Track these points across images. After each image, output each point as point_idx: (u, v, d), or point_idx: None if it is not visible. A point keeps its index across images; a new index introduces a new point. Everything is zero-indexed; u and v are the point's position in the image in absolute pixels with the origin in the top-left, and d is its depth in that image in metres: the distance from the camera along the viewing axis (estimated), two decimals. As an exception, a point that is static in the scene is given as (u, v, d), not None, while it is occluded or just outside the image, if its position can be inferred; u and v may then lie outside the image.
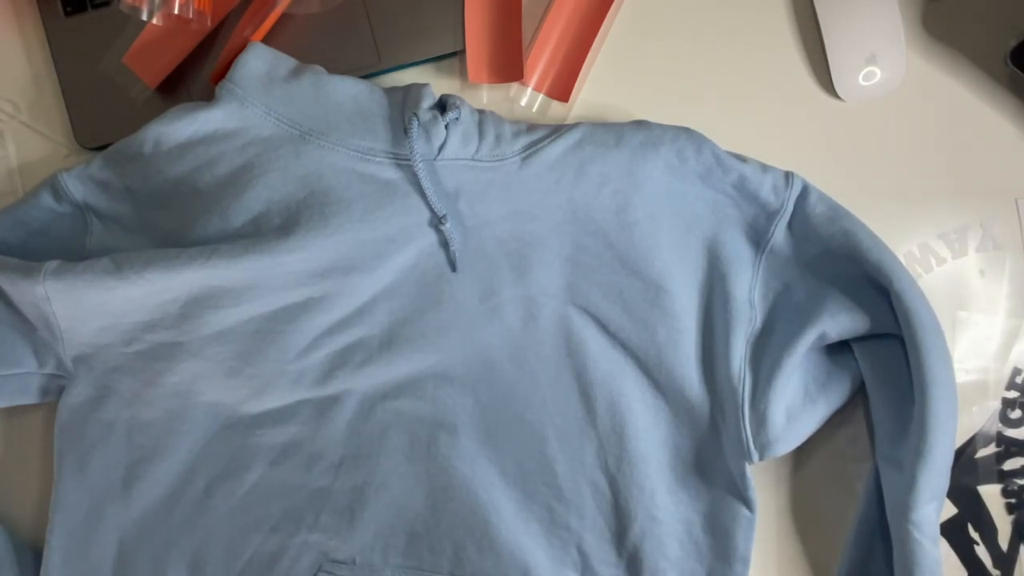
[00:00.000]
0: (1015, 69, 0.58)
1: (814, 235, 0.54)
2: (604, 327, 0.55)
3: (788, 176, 0.54)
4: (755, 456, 0.53)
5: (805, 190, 0.54)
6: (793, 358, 0.52)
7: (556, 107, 0.60)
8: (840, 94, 0.60)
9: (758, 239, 0.55)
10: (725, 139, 0.55)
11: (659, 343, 0.54)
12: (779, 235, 0.55)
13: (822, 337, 0.53)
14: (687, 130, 0.55)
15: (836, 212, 0.54)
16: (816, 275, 0.55)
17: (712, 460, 0.55)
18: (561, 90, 0.60)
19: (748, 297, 0.54)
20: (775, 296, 0.55)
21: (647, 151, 0.54)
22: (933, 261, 0.59)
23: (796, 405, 0.53)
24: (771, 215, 0.55)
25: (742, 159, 0.55)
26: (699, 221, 0.55)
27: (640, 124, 0.55)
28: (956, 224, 0.59)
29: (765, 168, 0.54)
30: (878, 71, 0.59)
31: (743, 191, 0.54)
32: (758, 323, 0.54)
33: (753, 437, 0.53)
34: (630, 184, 0.54)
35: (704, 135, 0.55)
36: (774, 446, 0.52)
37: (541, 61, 0.60)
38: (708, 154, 0.54)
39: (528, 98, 0.60)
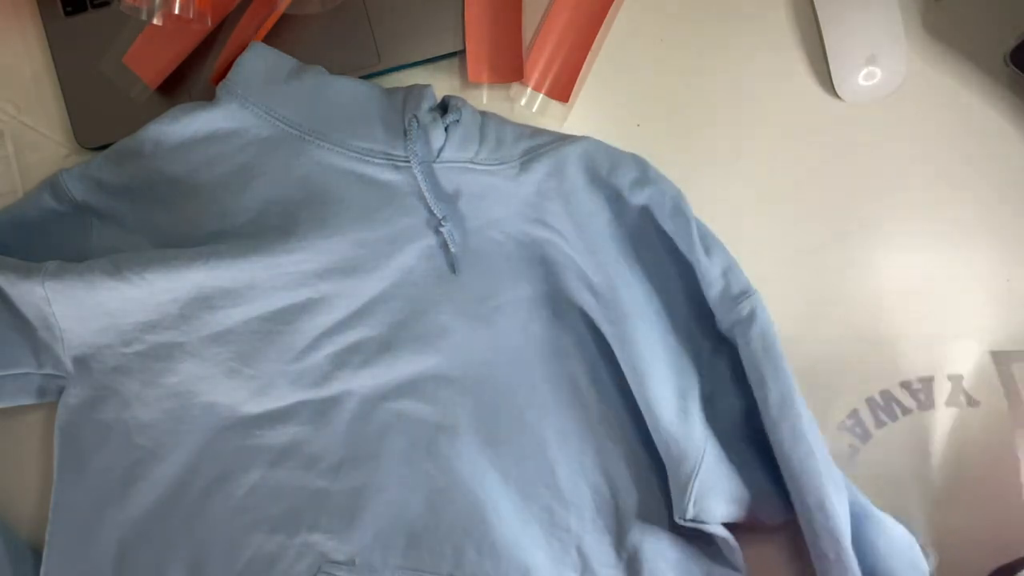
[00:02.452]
0: (1015, 69, 0.58)
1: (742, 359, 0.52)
2: (600, 332, 0.55)
3: (741, 296, 0.52)
4: (689, 513, 0.51)
5: (750, 317, 0.51)
6: (748, 432, 0.53)
7: (556, 107, 0.60)
8: (840, 94, 0.59)
9: (712, 318, 0.54)
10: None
11: (635, 369, 0.53)
12: (724, 329, 0.53)
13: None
14: (676, 191, 0.53)
15: (766, 358, 0.51)
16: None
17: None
18: (561, 90, 0.60)
19: (711, 359, 0.54)
20: (732, 365, 0.54)
21: (633, 191, 0.53)
22: (898, 410, 0.57)
23: (740, 489, 0.52)
24: (716, 307, 0.53)
25: (707, 247, 0.52)
26: (668, 275, 0.54)
27: (638, 163, 0.54)
28: (923, 372, 0.57)
29: (726, 271, 0.52)
30: (878, 71, 0.59)
31: (697, 277, 0.53)
32: (715, 388, 0.54)
33: (696, 499, 0.51)
34: (613, 218, 0.54)
35: (687, 205, 0.52)
36: (707, 514, 0.51)
37: (541, 61, 0.60)
38: (679, 221, 0.52)
39: (528, 98, 0.60)
